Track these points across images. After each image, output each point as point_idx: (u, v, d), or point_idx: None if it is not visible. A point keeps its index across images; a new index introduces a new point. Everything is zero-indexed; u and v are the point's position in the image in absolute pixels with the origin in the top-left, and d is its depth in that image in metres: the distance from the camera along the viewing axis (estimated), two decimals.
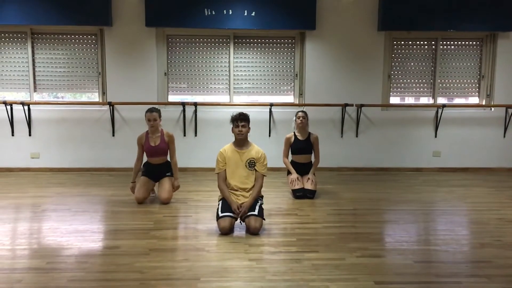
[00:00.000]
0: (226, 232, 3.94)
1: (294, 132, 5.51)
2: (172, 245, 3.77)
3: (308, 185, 5.26)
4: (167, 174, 5.13)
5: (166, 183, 5.06)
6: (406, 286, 3.01)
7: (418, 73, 7.18)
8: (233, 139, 4.26)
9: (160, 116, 5.06)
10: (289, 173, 5.45)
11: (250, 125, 4.23)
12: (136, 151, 5.14)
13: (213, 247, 3.69)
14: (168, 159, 5.21)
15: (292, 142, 5.46)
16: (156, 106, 5.31)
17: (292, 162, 5.49)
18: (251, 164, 4.18)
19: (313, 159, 5.54)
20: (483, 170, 7.14)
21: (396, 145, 7.13)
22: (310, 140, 5.46)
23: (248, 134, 4.22)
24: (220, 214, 4.01)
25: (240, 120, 4.13)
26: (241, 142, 4.20)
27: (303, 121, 5.39)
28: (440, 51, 7.11)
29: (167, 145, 5.10)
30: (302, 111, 5.51)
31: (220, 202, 4.18)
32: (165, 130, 5.15)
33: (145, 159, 5.19)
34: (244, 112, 4.22)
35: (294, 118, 5.49)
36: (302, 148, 5.44)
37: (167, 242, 3.82)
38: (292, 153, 5.50)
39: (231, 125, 4.21)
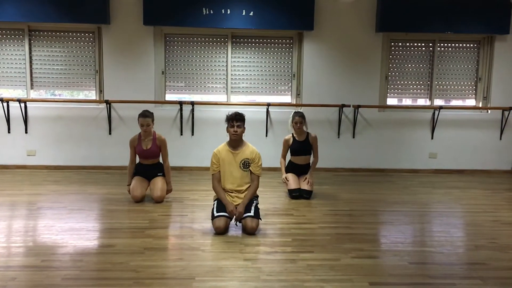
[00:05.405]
0: (221, 232, 3.93)
1: (292, 134, 5.49)
2: (167, 244, 3.78)
3: (305, 186, 5.26)
4: (159, 174, 5.14)
5: (158, 182, 5.06)
6: (401, 287, 3.02)
7: (415, 74, 7.19)
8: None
9: (153, 121, 5.04)
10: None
11: (247, 125, 4.21)
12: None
13: (208, 247, 3.69)
14: (161, 160, 5.21)
15: (291, 143, 5.42)
16: (150, 109, 5.24)
17: (291, 163, 5.47)
18: (246, 165, 4.16)
19: (312, 160, 5.53)
20: (479, 172, 7.16)
21: (393, 146, 7.14)
22: (309, 140, 5.40)
23: (243, 134, 4.19)
24: (215, 214, 4.00)
25: (236, 120, 4.09)
26: (235, 142, 4.17)
27: (300, 127, 5.32)
28: (437, 53, 7.12)
29: (159, 149, 5.10)
30: (299, 115, 5.32)
31: (215, 202, 4.17)
32: (158, 133, 5.13)
33: (137, 160, 5.20)
34: (239, 112, 4.18)
35: (290, 118, 5.44)
36: (300, 149, 5.40)
37: (162, 241, 3.82)
38: (291, 154, 5.47)
39: (226, 124, 4.17)
